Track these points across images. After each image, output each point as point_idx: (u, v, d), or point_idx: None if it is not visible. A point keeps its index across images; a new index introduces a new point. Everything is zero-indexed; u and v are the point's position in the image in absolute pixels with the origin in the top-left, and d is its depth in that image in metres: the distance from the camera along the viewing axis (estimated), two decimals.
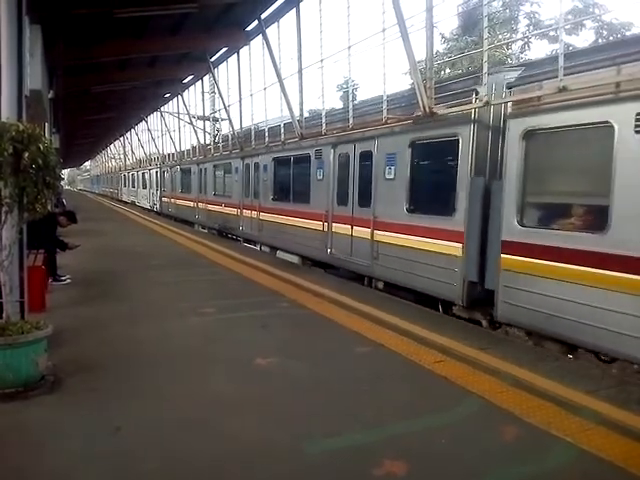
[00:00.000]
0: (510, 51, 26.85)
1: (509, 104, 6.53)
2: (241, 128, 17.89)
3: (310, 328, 6.40)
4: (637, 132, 5.00)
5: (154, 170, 29.90)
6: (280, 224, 13.21)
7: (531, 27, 25.92)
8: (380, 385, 4.60)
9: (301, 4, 12.63)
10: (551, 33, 20.20)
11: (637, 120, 4.99)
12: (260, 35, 14.51)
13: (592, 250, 5.36)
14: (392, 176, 8.76)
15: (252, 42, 15.78)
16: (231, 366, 5.01)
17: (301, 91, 13.21)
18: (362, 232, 9.52)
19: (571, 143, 5.97)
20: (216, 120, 24.93)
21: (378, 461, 3.24)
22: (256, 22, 14.37)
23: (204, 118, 23.73)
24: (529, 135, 6.14)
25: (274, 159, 14.00)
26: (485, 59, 7.44)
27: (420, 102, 8.20)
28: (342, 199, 10.35)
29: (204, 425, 3.75)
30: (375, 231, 9.11)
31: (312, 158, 11.52)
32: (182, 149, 25.42)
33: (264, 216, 14.38)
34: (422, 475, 3.19)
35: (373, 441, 3.56)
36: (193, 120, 23.72)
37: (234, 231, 17.00)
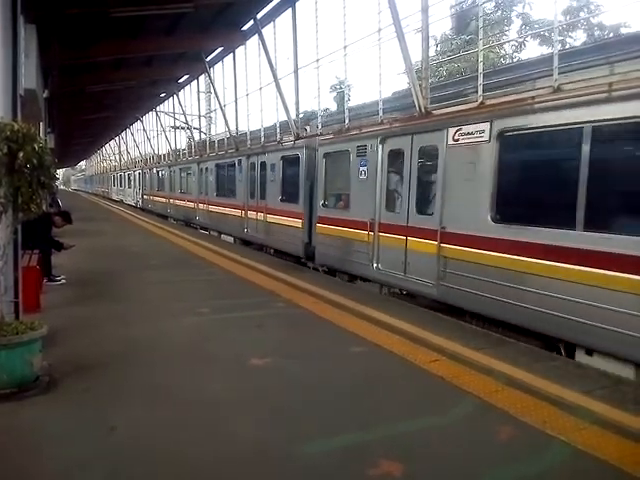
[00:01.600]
0: (503, 51, 26.97)
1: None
2: (237, 128, 17.89)
3: (306, 328, 6.40)
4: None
5: (137, 172, 34.32)
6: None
7: (525, 27, 26.06)
8: (376, 385, 4.61)
9: (297, 4, 12.66)
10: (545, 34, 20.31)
11: None
12: (256, 35, 14.53)
13: (344, 218, 9.80)
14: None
15: (248, 42, 15.80)
16: (227, 366, 5.00)
17: (297, 91, 13.23)
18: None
19: (338, 160, 10.22)
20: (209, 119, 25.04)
21: (374, 461, 3.25)
22: (252, 22, 14.37)
23: (175, 128, 26.90)
24: (324, 155, 10.66)
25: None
26: (480, 59, 7.50)
27: (416, 102, 8.23)
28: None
29: (200, 425, 3.75)
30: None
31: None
32: (161, 152, 29.67)
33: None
34: (418, 475, 3.19)
35: (369, 441, 3.56)
36: (187, 119, 23.75)
37: (192, 220, 21.23)
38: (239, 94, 17.28)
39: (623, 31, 22.81)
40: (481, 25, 8.30)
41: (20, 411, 3.92)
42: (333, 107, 30.14)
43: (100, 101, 22.03)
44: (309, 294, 8.16)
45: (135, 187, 34.50)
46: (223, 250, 13.36)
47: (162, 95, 25.66)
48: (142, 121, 32.37)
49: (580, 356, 5.70)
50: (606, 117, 5.37)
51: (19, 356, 4.17)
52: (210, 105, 24.26)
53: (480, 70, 7.27)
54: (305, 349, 5.60)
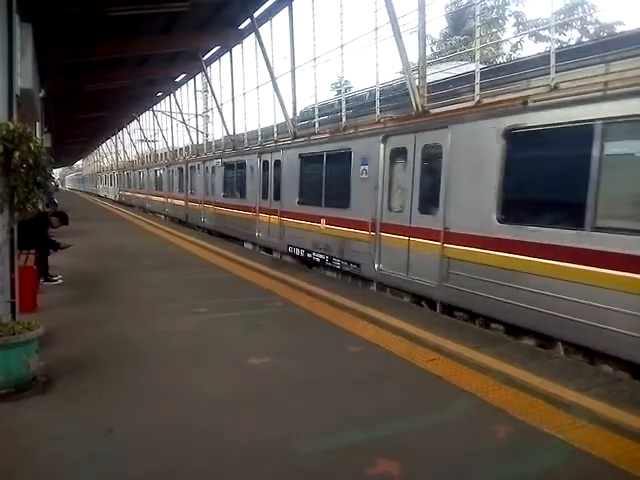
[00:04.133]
0: (500, 50, 27.02)
1: None
2: (233, 128, 17.86)
3: (304, 327, 6.40)
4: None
5: (116, 173, 45.10)
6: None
7: (520, 27, 26.12)
8: (374, 384, 4.61)
9: (294, 3, 12.65)
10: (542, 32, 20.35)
11: None
12: (253, 33, 14.51)
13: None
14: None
15: (245, 41, 15.77)
16: (225, 366, 5.00)
17: (294, 89, 13.22)
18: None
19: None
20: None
21: (372, 460, 3.25)
22: (248, 20, 14.35)
23: (145, 141, 32.85)
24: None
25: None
26: (477, 57, 7.51)
27: (413, 100, 8.23)
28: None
29: (199, 425, 3.74)
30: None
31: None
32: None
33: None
34: (416, 474, 3.20)
35: (367, 440, 3.56)
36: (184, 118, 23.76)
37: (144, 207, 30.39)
38: (236, 93, 17.27)
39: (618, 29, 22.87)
40: (478, 24, 8.31)
41: (17, 412, 3.91)
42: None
43: (96, 100, 21.96)
44: (306, 293, 8.15)
45: (115, 185, 45.34)
46: (220, 249, 13.33)
47: (159, 94, 25.61)
48: (139, 120, 32.49)
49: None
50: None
51: (15, 356, 4.15)
52: (207, 104, 24.24)
53: (477, 69, 7.28)
54: (303, 348, 5.60)
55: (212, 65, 19.20)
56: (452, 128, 7.32)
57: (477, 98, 7.13)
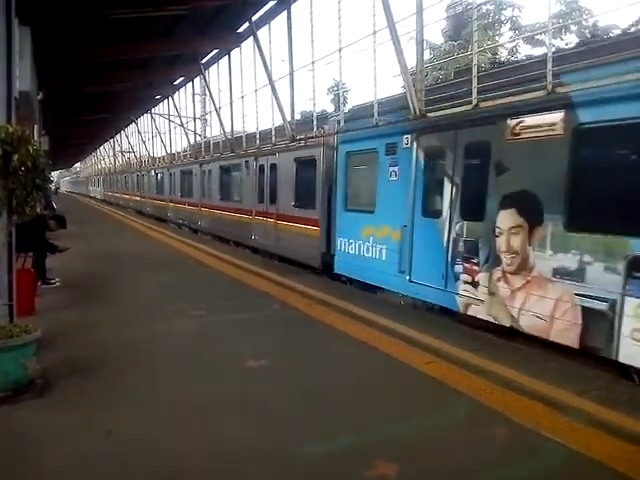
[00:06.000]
0: (497, 55, 27.07)
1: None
2: (232, 130, 17.90)
3: (301, 330, 6.40)
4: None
5: (101, 177, 54.17)
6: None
7: (516, 31, 26.19)
8: (372, 386, 4.61)
9: (292, 7, 12.68)
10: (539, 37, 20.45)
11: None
12: (251, 37, 14.54)
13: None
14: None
15: (243, 44, 15.82)
16: (223, 368, 5.00)
17: (292, 93, 13.25)
18: None
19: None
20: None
21: (370, 463, 3.25)
22: (247, 24, 14.39)
23: (121, 152, 39.94)
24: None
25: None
26: (475, 62, 7.54)
27: (410, 104, 8.26)
28: None
29: (198, 428, 3.74)
30: None
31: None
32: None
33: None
34: (414, 476, 3.21)
35: (365, 443, 3.56)
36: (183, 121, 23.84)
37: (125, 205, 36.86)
38: (234, 96, 17.33)
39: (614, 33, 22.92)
40: (475, 29, 8.35)
41: (15, 414, 3.90)
42: (330, 109, 30.11)
43: (95, 103, 21.96)
44: (304, 296, 8.16)
45: (101, 187, 54.12)
46: (216, 252, 13.33)
47: (157, 97, 25.63)
48: (137, 123, 32.53)
49: None
50: None
51: (13, 359, 4.15)
52: (205, 107, 24.30)
53: (474, 73, 7.31)
54: (300, 351, 5.60)
55: (210, 68, 19.24)
56: None
57: (474, 102, 7.16)
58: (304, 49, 12.24)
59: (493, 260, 6.39)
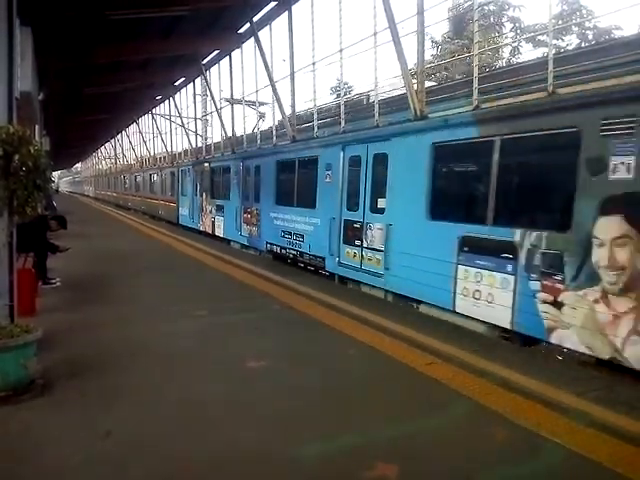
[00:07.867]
0: (497, 56, 27.13)
1: None
2: (233, 130, 17.93)
3: (302, 331, 6.40)
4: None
5: (94, 178, 62.16)
6: None
7: (518, 32, 26.23)
8: (372, 387, 4.62)
9: (293, 7, 12.68)
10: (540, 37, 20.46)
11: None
12: (252, 38, 14.54)
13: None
14: None
15: (244, 45, 15.81)
16: (224, 369, 5.00)
17: (293, 93, 13.25)
18: None
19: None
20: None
21: (371, 464, 3.26)
22: (248, 25, 14.39)
23: (108, 158, 47.39)
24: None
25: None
26: (476, 63, 7.55)
27: (411, 104, 8.26)
28: None
29: (198, 428, 3.74)
30: None
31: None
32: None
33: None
34: (414, 477, 3.21)
35: (366, 444, 3.57)
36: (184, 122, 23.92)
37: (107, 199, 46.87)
38: (235, 97, 17.31)
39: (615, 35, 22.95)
40: (476, 29, 8.35)
41: (15, 414, 3.91)
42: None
43: (96, 104, 21.99)
44: (304, 297, 8.16)
45: (93, 187, 63.19)
46: (217, 252, 13.33)
47: (158, 98, 25.64)
48: (138, 124, 32.64)
49: None
50: None
51: (14, 359, 4.16)
52: (206, 108, 24.31)
53: (475, 74, 7.31)
54: (301, 351, 5.61)
55: (211, 69, 19.23)
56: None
57: (475, 103, 7.17)
58: (304, 49, 12.26)
59: None
